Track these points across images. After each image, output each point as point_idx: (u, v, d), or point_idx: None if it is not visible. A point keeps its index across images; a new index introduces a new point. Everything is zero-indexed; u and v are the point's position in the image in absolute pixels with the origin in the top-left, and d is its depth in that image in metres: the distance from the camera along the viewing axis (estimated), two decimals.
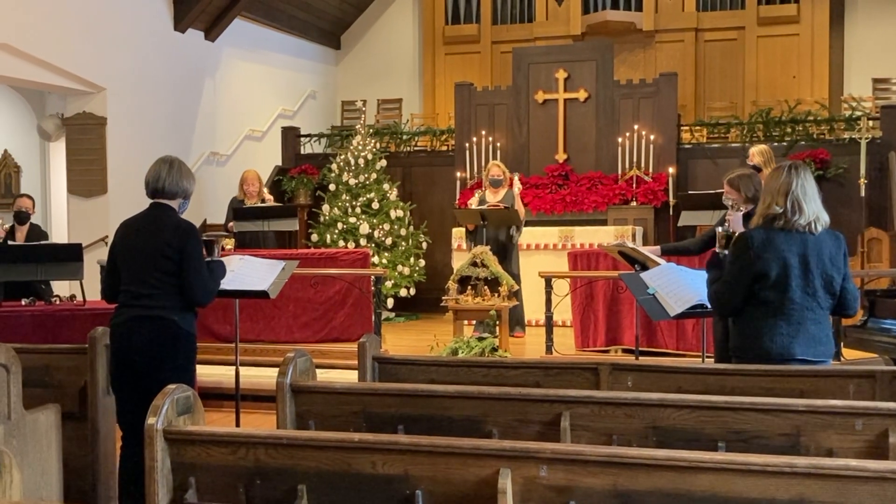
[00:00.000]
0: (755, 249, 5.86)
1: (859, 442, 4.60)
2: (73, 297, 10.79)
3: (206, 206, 17.04)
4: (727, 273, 6.09)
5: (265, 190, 14.34)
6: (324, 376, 9.57)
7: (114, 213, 14.82)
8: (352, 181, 16.63)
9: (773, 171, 6.10)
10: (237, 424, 8.35)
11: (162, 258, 6.36)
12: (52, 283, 11.58)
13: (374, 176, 16.72)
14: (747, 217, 7.16)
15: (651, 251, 8.82)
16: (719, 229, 6.76)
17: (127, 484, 6.45)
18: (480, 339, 11.47)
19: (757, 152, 10.60)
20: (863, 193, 15.17)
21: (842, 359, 10.35)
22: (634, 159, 16.47)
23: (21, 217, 11.73)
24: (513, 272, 12.93)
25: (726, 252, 6.34)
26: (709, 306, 6.99)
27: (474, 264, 11.98)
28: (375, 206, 16.47)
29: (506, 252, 13.24)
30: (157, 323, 6.37)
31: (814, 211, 5.88)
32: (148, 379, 6.15)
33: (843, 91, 19.47)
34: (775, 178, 5.98)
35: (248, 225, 13.02)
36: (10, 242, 11.10)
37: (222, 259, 7.16)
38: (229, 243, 12.19)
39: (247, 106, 19.25)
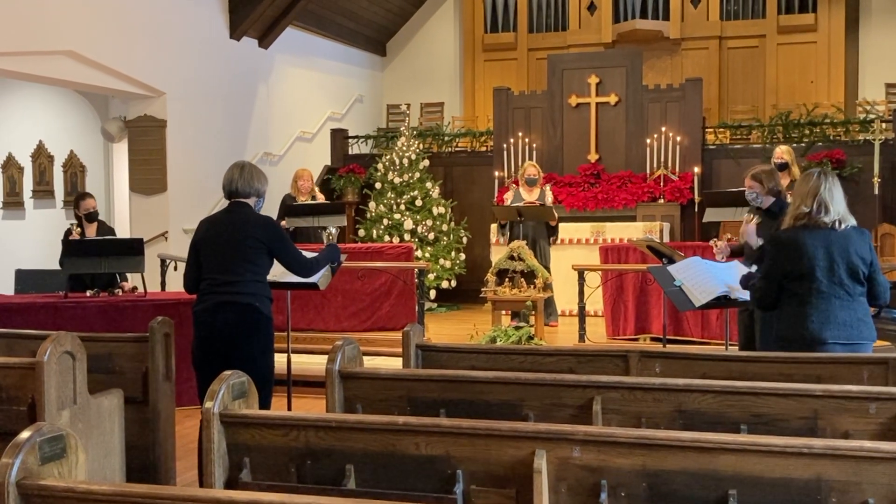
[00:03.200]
0: (781, 248, 6.06)
1: (873, 424, 4.59)
2: (134, 288, 10.85)
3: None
4: (762, 271, 6.36)
5: (316, 188, 14.38)
6: (370, 363, 9.61)
7: (173, 209, 14.93)
8: (396, 180, 16.65)
9: (804, 176, 6.30)
10: (289, 408, 8.35)
11: (247, 248, 6.54)
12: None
13: (417, 175, 16.74)
14: (771, 214, 7.26)
15: None
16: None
17: None
18: (517, 328, 11.47)
19: (785, 151, 10.65)
20: (876, 191, 15.15)
21: None
22: (662, 159, 16.44)
23: (91, 217, 11.79)
24: (544, 265, 12.92)
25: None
26: (731, 297, 7.07)
27: (511, 258, 11.97)
28: (419, 203, 16.48)
29: (539, 248, 13.24)
30: (240, 308, 6.49)
31: (839, 212, 6.05)
32: (232, 359, 6.19)
33: (858, 95, 19.32)
34: (806, 182, 6.18)
35: (299, 221, 13.01)
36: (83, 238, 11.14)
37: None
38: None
39: (298, 109, 19.24)
